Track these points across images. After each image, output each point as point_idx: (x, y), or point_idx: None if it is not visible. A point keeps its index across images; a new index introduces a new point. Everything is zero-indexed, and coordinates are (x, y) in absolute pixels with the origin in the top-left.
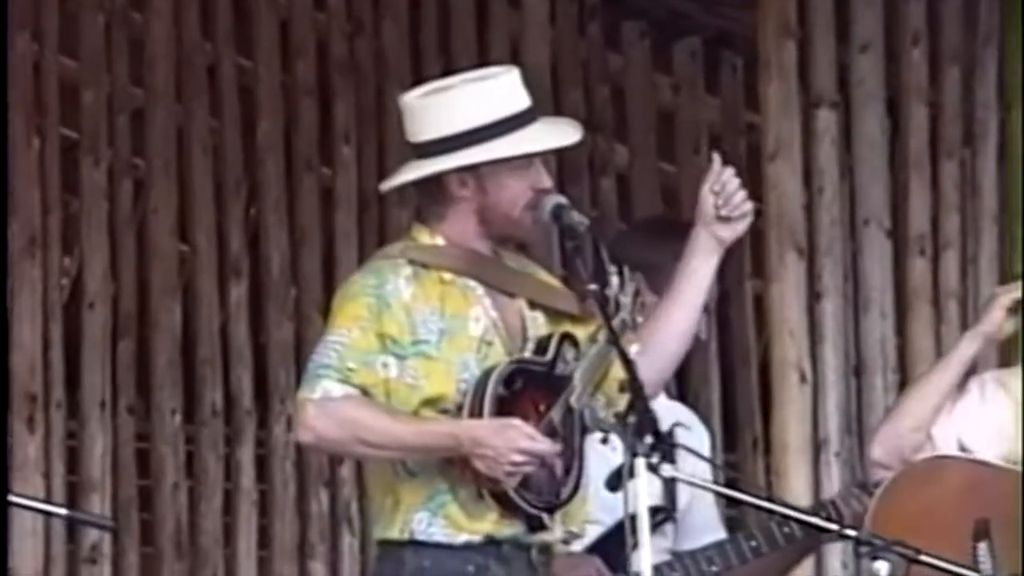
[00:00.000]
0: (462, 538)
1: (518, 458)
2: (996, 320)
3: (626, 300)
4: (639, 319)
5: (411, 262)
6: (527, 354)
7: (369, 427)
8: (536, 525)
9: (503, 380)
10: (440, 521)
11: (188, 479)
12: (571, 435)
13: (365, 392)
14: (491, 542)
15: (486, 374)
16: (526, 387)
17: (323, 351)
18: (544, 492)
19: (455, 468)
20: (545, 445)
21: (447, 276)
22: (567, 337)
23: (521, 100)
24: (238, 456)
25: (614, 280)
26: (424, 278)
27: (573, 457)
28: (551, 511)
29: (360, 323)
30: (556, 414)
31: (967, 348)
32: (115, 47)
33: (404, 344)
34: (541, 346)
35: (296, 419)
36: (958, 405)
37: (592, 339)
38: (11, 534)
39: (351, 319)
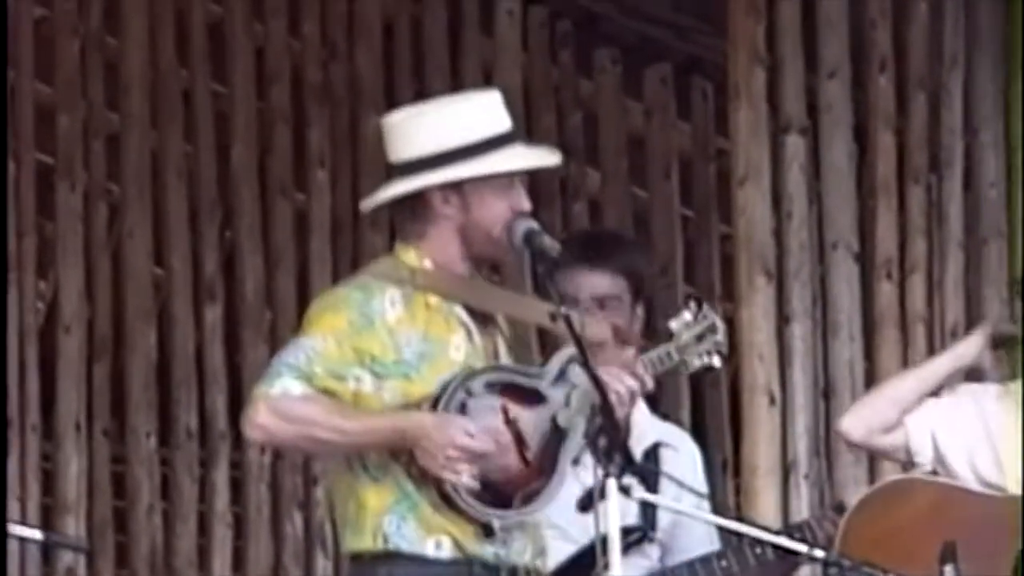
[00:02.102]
0: (432, 541)
1: (452, 452)
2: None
3: (692, 334)
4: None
5: (399, 283)
6: (511, 363)
7: (319, 424)
8: (488, 532)
9: (466, 382)
10: (411, 523)
11: (163, 501)
12: (553, 452)
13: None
14: (462, 562)
15: (457, 376)
16: (500, 394)
17: (292, 352)
18: (495, 501)
19: (415, 469)
20: (481, 444)
21: (433, 301)
22: (575, 360)
23: (503, 121)
24: (213, 478)
25: (686, 315)
26: (411, 301)
27: (547, 474)
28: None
29: (337, 334)
30: (530, 424)
31: (966, 348)
32: (90, 72)
33: (386, 363)
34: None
35: (247, 414)
36: (941, 404)
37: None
38: None
39: (328, 328)
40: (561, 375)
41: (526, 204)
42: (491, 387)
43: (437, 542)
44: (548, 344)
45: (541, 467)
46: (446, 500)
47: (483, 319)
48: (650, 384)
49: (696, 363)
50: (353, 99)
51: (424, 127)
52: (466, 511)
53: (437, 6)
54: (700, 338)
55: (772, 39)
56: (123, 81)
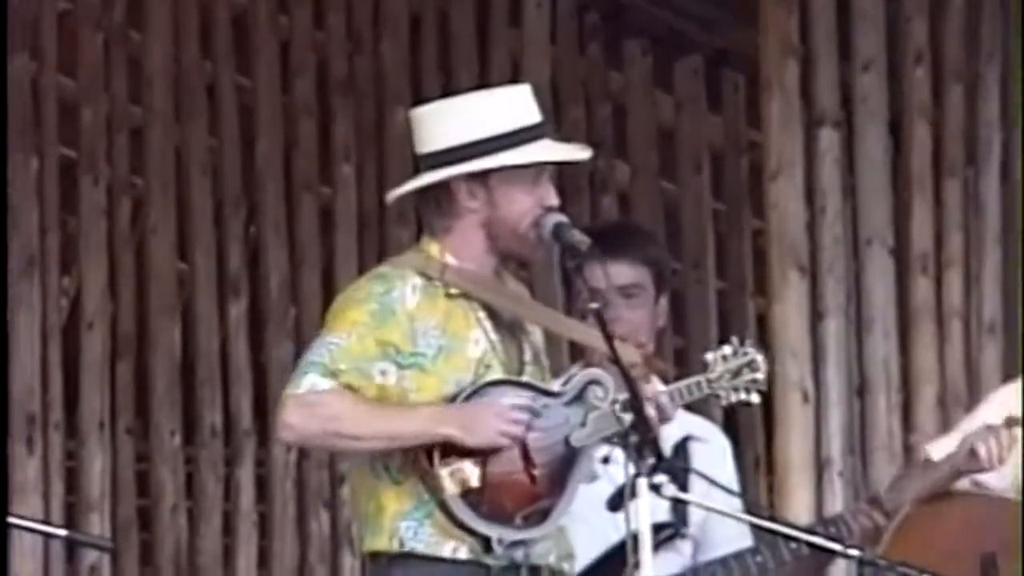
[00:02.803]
0: (450, 545)
1: (505, 424)
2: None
3: (727, 368)
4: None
5: (421, 275)
6: (524, 378)
7: (348, 418)
8: (488, 548)
9: (478, 393)
10: (428, 529)
11: (187, 500)
12: (562, 472)
13: (352, 390)
14: (479, 563)
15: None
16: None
17: (316, 350)
18: (495, 516)
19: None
20: (520, 421)
21: (453, 292)
22: (595, 383)
23: (532, 115)
24: (237, 476)
25: (726, 348)
26: (431, 292)
27: (554, 494)
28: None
29: (359, 329)
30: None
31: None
32: (114, 66)
33: (405, 353)
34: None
35: (277, 415)
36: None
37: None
38: (10, 555)
39: (350, 324)
40: (579, 396)
41: (554, 199)
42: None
43: (455, 546)
44: (577, 358)
45: (549, 487)
46: (446, 513)
47: (510, 324)
48: (672, 416)
49: (732, 397)
50: (379, 92)
51: (452, 119)
52: (466, 524)
53: None
54: (737, 373)
55: (805, 30)
56: (147, 75)
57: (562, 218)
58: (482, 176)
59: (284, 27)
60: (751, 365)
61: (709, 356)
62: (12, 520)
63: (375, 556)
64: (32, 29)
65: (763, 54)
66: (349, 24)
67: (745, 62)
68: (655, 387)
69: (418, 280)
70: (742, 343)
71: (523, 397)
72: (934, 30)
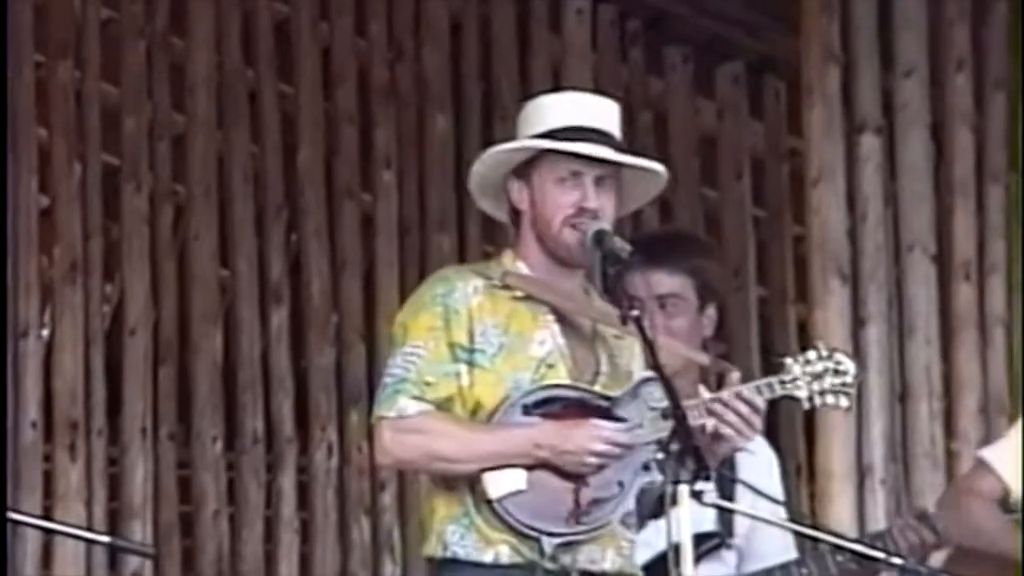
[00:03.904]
0: (491, 552)
1: (592, 459)
2: None
3: (807, 371)
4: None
5: (483, 276)
6: (582, 384)
7: (445, 442)
8: (541, 552)
9: (524, 404)
10: (472, 536)
11: (229, 506)
12: (617, 468)
13: (440, 407)
14: (524, 566)
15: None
16: (563, 411)
17: (400, 364)
18: (545, 517)
19: (479, 489)
20: (617, 442)
21: (519, 294)
22: (649, 380)
23: (593, 120)
24: (279, 483)
25: (810, 353)
26: (495, 293)
27: (609, 488)
28: (552, 535)
29: (434, 334)
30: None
31: None
32: (156, 73)
33: (467, 351)
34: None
35: (375, 442)
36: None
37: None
38: (53, 561)
39: (425, 330)
40: (634, 394)
41: (592, 201)
42: (547, 404)
43: (496, 552)
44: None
45: (601, 486)
46: (499, 519)
47: (585, 332)
48: (762, 405)
49: (817, 401)
50: (420, 99)
51: (525, 113)
52: (519, 530)
53: (505, 5)
54: (819, 376)
55: (846, 37)
56: (189, 82)
57: (604, 225)
58: (527, 174)
59: (326, 35)
60: (839, 368)
61: (788, 359)
62: (55, 526)
63: (428, 561)
64: (75, 37)
65: (804, 61)
66: (390, 32)
67: (786, 69)
68: (703, 395)
69: (479, 282)
70: (832, 351)
71: (619, 431)
72: (976, 37)
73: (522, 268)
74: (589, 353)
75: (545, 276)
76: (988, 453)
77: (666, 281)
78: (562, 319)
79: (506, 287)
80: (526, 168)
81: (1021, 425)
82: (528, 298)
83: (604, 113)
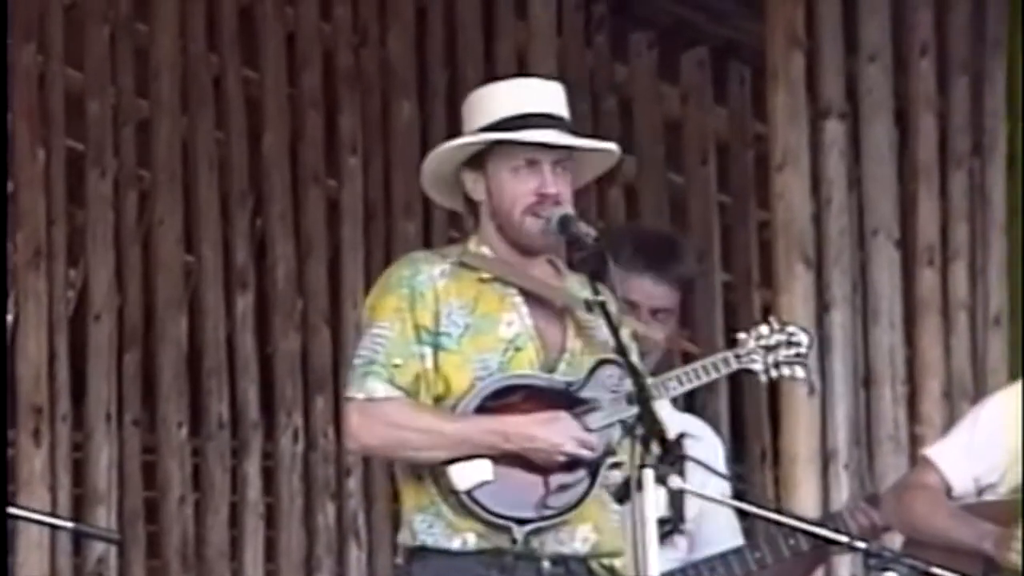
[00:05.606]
0: (459, 539)
1: (571, 448)
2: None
3: (760, 344)
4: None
5: (449, 259)
6: (537, 371)
7: (413, 429)
8: (512, 540)
9: (487, 393)
10: (439, 525)
11: (194, 492)
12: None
13: (408, 391)
14: (490, 551)
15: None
16: (523, 402)
17: (368, 346)
18: (514, 506)
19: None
20: (594, 438)
21: (486, 276)
22: (607, 362)
23: (544, 106)
24: (244, 468)
25: (762, 328)
26: (462, 276)
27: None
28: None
29: (400, 315)
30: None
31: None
32: (120, 58)
33: (432, 335)
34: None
35: (343, 424)
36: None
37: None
38: (17, 547)
39: (391, 311)
40: (593, 377)
41: (551, 187)
42: (509, 394)
43: (463, 540)
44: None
45: (566, 470)
46: (467, 510)
47: (552, 310)
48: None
49: (772, 372)
50: (385, 85)
51: (466, 108)
52: (489, 520)
53: None
54: (773, 348)
55: (811, 22)
56: (153, 67)
57: (567, 210)
58: (481, 165)
59: (290, 19)
60: (792, 340)
61: (741, 335)
62: (19, 512)
63: (403, 550)
64: (39, 22)
65: (769, 46)
66: (355, 17)
67: (751, 54)
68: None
69: (446, 265)
70: (783, 324)
71: (590, 433)
72: (939, 21)
73: (487, 253)
74: (559, 332)
75: (510, 259)
76: (932, 452)
77: (668, 296)
78: (529, 299)
79: (473, 268)
80: (479, 159)
81: (1020, 405)
82: (495, 280)
83: (552, 96)
